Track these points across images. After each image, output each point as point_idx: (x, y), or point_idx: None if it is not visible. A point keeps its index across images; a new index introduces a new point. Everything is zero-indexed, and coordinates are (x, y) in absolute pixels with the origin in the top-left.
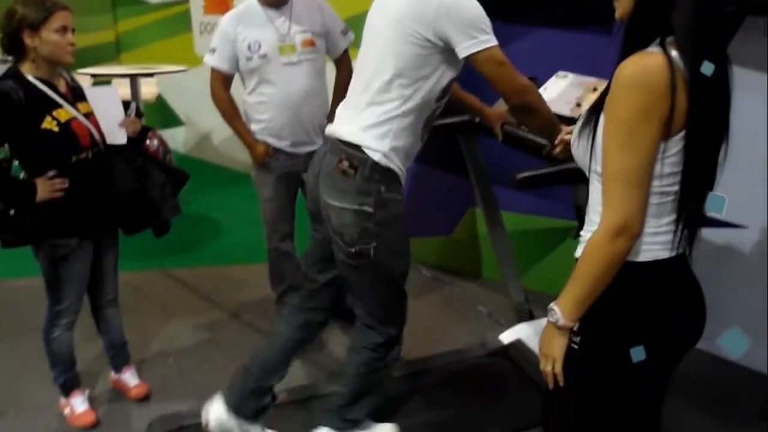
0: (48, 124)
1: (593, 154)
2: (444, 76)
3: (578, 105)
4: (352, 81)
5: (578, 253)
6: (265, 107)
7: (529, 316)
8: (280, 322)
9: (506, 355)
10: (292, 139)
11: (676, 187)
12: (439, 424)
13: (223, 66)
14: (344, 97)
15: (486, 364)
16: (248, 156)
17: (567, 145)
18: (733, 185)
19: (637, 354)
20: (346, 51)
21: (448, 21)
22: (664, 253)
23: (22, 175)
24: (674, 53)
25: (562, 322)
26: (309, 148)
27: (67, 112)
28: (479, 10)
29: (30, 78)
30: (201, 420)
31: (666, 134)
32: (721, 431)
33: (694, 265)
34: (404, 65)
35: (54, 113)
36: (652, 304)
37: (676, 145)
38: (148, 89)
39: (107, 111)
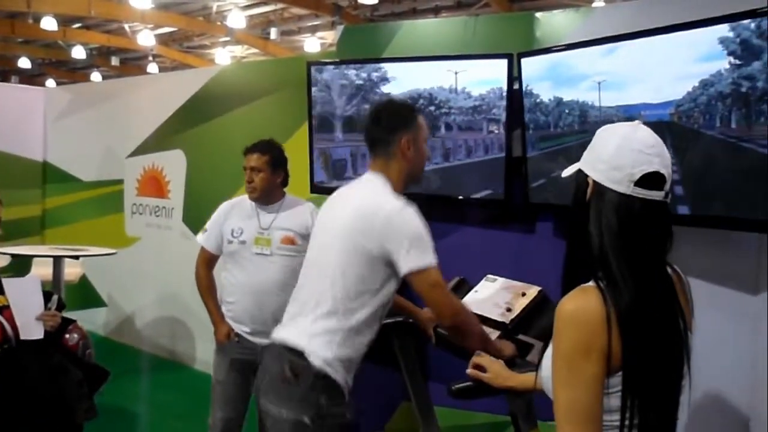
0: None
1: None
2: (387, 288)
3: (508, 310)
4: (299, 283)
5: None
6: (232, 290)
7: None
8: None
9: None
10: (251, 326)
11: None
12: None
13: (209, 245)
14: None
15: None
16: (170, 341)
17: (477, 367)
18: None
19: None
20: None
21: (392, 236)
22: None
23: None
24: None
25: None
26: (268, 341)
27: None
28: (422, 229)
29: None
30: None
31: (607, 370)
32: None
33: None
34: (349, 277)
35: None
36: None
37: (618, 382)
38: (72, 269)
39: (25, 303)
